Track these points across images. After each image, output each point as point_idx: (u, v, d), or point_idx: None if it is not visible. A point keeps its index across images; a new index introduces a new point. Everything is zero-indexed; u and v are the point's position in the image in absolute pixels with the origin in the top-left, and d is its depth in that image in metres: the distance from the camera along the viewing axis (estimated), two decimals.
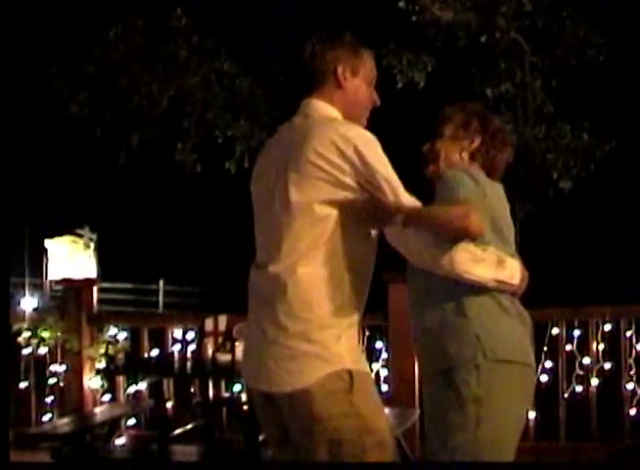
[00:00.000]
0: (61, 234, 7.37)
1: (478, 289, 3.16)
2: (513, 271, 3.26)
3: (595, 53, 13.24)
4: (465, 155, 3.45)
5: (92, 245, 7.33)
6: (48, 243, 7.29)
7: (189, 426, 6.30)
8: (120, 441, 6.89)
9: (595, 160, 13.17)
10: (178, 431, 6.18)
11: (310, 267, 2.98)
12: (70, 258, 7.26)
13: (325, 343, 2.95)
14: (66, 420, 6.42)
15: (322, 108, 3.24)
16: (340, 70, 3.22)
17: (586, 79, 13.57)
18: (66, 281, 7.26)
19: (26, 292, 9.49)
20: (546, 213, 13.92)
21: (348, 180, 3.01)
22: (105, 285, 15.48)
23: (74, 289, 7.19)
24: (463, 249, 3.06)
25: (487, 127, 3.46)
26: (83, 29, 13.57)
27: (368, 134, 3.08)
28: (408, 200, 3.04)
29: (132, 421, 7.15)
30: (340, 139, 3.04)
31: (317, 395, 2.91)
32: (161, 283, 20.78)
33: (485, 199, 3.22)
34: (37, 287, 15.61)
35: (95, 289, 7.34)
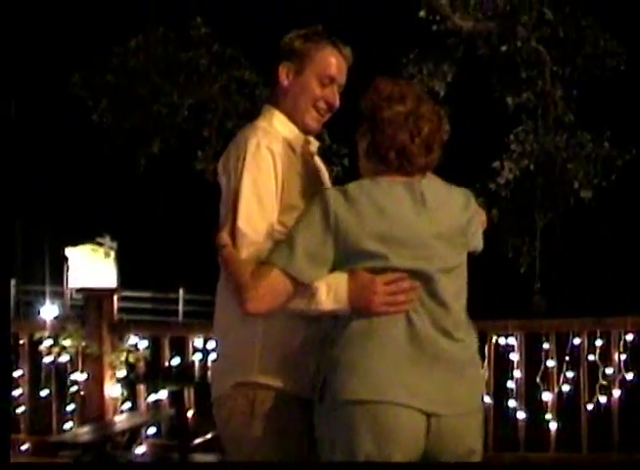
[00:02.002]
0: (81, 242, 7.38)
1: None
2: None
3: (616, 62, 13.20)
4: (362, 163, 2.98)
5: (112, 253, 7.33)
6: (68, 251, 7.30)
7: (209, 435, 6.29)
8: (141, 449, 6.88)
9: (616, 169, 13.12)
10: (198, 440, 6.17)
11: None
12: (91, 266, 7.26)
13: None
14: (86, 429, 6.42)
15: (262, 113, 3.22)
16: (280, 70, 3.18)
17: (607, 88, 13.53)
18: (86, 290, 7.27)
19: (47, 300, 9.53)
20: (567, 223, 13.86)
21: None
22: (125, 293, 15.51)
23: (95, 297, 7.20)
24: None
25: (375, 123, 2.88)
26: (105, 39, 13.65)
27: (250, 156, 2.96)
28: (246, 231, 2.90)
29: (152, 430, 7.14)
30: (232, 147, 3.04)
31: None
32: (181, 291, 20.81)
33: (338, 221, 2.77)
34: (58, 295, 15.69)
35: (115, 297, 7.35)
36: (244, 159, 2.96)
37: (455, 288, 2.90)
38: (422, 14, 12.46)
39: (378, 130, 2.85)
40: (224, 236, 2.91)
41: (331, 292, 2.80)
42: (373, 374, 2.75)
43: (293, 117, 3.17)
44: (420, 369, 2.77)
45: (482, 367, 3.00)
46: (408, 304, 2.79)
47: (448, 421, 2.78)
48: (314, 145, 3.26)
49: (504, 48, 12.80)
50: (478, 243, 3.07)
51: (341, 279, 2.81)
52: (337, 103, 3.20)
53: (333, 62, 3.15)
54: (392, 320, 2.79)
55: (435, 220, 2.84)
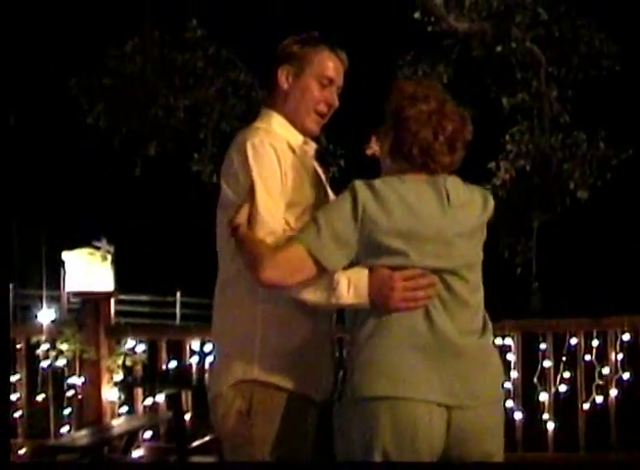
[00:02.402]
0: (78, 246, 7.37)
1: None
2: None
3: (611, 62, 13.21)
4: (386, 162, 3.02)
5: (109, 257, 7.33)
6: (65, 255, 7.30)
7: (207, 438, 6.29)
8: (138, 453, 6.88)
9: (612, 169, 13.13)
10: (196, 443, 6.17)
11: None
12: (88, 270, 7.26)
13: None
14: (84, 432, 6.42)
15: (260, 116, 3.26)
16: (279, 74, 3.22)
17: (602, 89, 13.54)
18: (83, 293, 7.27)
19: (44, 304, 9.52)
20: (563, 223, 13.88)
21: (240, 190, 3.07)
22: (122, 297, 15.52)
23: (92, 301, 7.20)
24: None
25: (399, 121, 2.91)
26: (100, 42, 13.65)
27: (250, 150, 3.03)
28: (264, 216, 2.96)
29: (150, 433, 7.14)
30: (234, 147, 3.10)
31: None
32: (179, 295, 20.82)
33: (365, 213, 2.79)
34: (55, 299, 15.69)
35: (112, 301, 7.35)
36: (248, 156, 3.02)
37: (474, 283, 2.94)
38: (417, 15, 12.46)
39: (402, 128, 2.88)
40: (239, 217, 2.95)
41: (351, 286, 2.82)
42: (392, 370, 2.78)
43: (292, 119, 3.21)
44: (440, 364, 2.80)
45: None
46: (427, 299, 2.82)
47: (471, 413, 2.80)
48: (312, 147, 3.30)
49: (499, 49, 12.81)
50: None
51: (361, 274, 2.83)
52: (336, 103, 3.25)
53: (331, 64, 3.21)
54: (411, 316, 2.83)
55: (459, 219, 2.87)
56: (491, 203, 3.02)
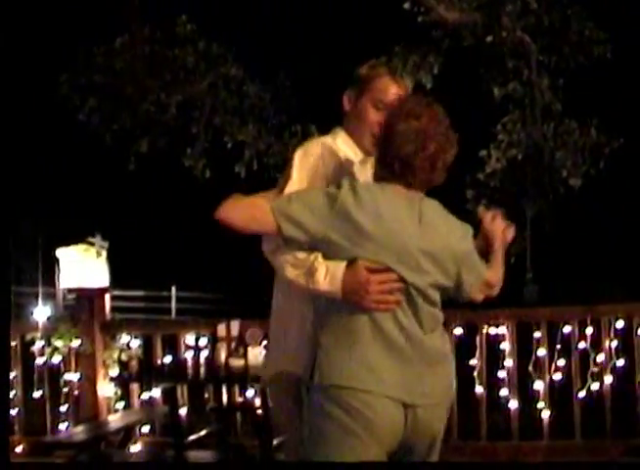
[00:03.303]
0: (72, 242, 7.38)
1: None
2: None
3: (601, 50, 13.20)
4: (375, 169, 3.26)
5: (104, 253, 7.33)
6: (60, 252, 7.30)
7: (203, 432, 6.31)
8: (135, 448, 6.90)
9: (604, 157, 13.14)
10: (193, 437, 6.18)
11: None
12: (82, 266, 7.27)
13: None
14: (80, 428, 6.44)
15: (331, 132, 3.52)
16: (345, 96, 3.51)
17: (593, 77, 13.55)
18: (78, 290, 7.28)
19: (40, 301, 9.52)
20: (557, 212, 13.88)
21: None
22: (117, 293, 15.51)
23: (87, 297, 7.21)
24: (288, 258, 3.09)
25: (389, 134, 3.14)
26: (90, 38, 13.62)
27: (302, 150, 3.38)
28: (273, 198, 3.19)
29: (147, 428, 7.16)
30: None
31: None
32: (174, 289, 20.81)
33: (334, 209, 3.00)
34: (50, 296, 15.66)
35: (108, 297, 7.36)
36: (296, 156, 3.36)
37: (429, 298, 3.11)
38: (406, 6, 12.45)
39: (389, 140, 3.10)
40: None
41: (328, 275, 3.01)
42: (353, 363, 2.97)
43: (353, 138, 3.48)
44: (398, 362, 2.99)
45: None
46: (396, 304, 3.01)
47: (422, 411, 3.01)
48: (371, 164, 3.46)
49: (489, 38, 12.80)
50: (470, 286, 3.25)
51: (339, 267, 3.02)
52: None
53: (389, 89, 3.44)
54: (382, 316, 3.01)
55: (426, 238, 3.06)
56: (469, 239, 3.23)
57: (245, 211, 3.07)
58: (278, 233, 3.03)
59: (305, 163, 3.33)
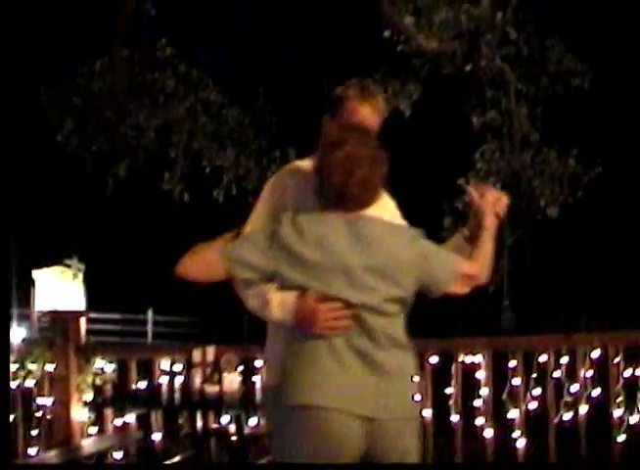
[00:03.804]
0: (49, 264, 7.33)
1: None
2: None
3: (579, 81, 13.32)
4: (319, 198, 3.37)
5: (80, 275, 7.29)
6: (35, 273, 7.26)
7: (177, 458, 6.27)
8: None
9: (582, 186, 13.22)
10: (167, 463, 6.14)
11: None
12: (58, 288, 7.22)
13: None
14: (53, 453, 6.37)
15: (313, 154, 3.52)
16: (324, 117, 3.52)
17: (571, 107, 13.66)
18: (54, 313, 7.22)
19: (14, 323, 9.45)
20: (534, 241, 13.95)
21: None
22: (93, 315, 15.43)
23: (62, 320, 7.15)
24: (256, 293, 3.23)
25: (321, 166, 3.27)
26: (70, 60, 13.60)
27: (272, 180, 3.55)
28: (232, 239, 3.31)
29: (120, 454, 7.10)
30: None
31: None
32: (150, 313, 20.73)
33: (274, 245, 3.17)
34: (25, 318, 15.57)
35: (83, 320, 7.31)
36: (267, 183, 3.54)
37: (394, 313, 3.21)
38: (386, 34, 12.51)
39: (321, 172, 3.22)
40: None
41: (280, 305, 3.16)
42: (315, 383, 3.10)
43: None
44: (351, 379, 3.11)
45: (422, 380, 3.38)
46: (345, 329, 3.13)
47: (381, 425, 3.09)
48: None
49: (468, 67, 12.89)
50: (441, 284, 3.30)
51: (290, 297, 3.16)
52: None
53: (355, 110, 3.45)
54: (328, 338, 3.14)
55: (369, 255, 3.15)
56: (420, 242, 3.27)
57: (199, 264, 3.23)
58: (233, 278, 3.20)
59: (273, 192, 3.47)
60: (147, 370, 7.10)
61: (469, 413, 6.71)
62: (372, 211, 3.27)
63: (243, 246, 3.20)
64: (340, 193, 3.18)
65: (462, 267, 3.31)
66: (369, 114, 3.46)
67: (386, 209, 3.47)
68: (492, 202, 3.45)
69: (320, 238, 3.14)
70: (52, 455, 6.26)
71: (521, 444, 6.61)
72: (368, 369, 3.12)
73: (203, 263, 3.23)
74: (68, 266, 7.26)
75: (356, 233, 3.17)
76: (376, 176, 3.22)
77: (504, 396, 6.67)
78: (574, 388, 6.63)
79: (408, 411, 3.21)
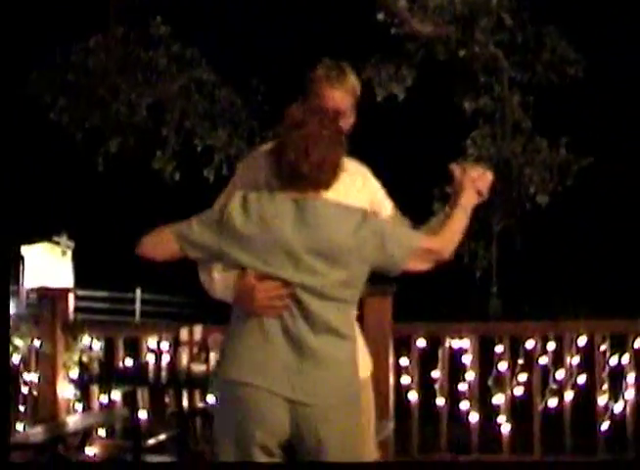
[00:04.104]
0: (38, 241, 7.31)
1: None
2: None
3: (573, 69, 13.32)
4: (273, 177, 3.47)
5: (69, 252, 7.28)
6: (24, 249, 7.24)
7: (162, 436, 6.28)
8: (93, 450, 6.85)
9: (572, 175, 13.23)
10: (152, 441, 6.15)
11: None
12: (47, 265, 7.22)
13: None
14: (38, 429, 6.37)
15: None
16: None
17: (564, 95, 13.65)
18: (41, 289, 7.21)
19: None
20: (523, 228, 13.96)
21: None
22: (81, 293, 15.41)
23: (50, 297, 7.14)
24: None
25: (278, 146, 3.33)
26: (64, 37, 13.55)
27: (244, 160, 3.73)
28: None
29: (105, 431, 7.11)
30: None
31: None
32: (139, 292, 20.72)
33: (222, 222, 3.24)
34: (13, 294, 15.55)
35: (71, 297, 7.30)
36: (236, 169, 3.66)
37: (330, 297, 3.19)
38: (380, 17, 12.48)
39: (278, 151, 3.26)
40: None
41: (223, 283, 3.26)
42: (244, 360, 3.18)
43: None
44: (281, 360, 3.15)
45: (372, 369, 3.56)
46: (283, 309, 3.17)
47: (306, 409, 3.14)
48: None
49: (462, 53, 12.87)
50: (398, 261, 3.28)
51: (230, 276, 3.25)
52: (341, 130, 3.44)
53: (323, 93, 3.44)
54: (265, 318, 3.19)
55: (314, 238, 3.17)
56: (370, 224, 3.24)
57: (153, 243, 3.32)
58: (184, 256, 3.29)
59: (243, 174, 3.55)
60: (134, 348, 7.10)
61: (454, 397, 6.74)
62: (331, 193, 3.27)
63: (193, 225, 3.26)
64: (293, 172, 3.20)
65: (420, 243, 3.28)
66: (339, 96, 3.45)
67: (347, 191, 3.43)
68: (474, 178, 3.39)
69: (265, 217, 3.17)
70: (37, 432, 6.26)
71: (505, 429, 6.64)
72: (296, 351, 3.15)
73: (159, 243, 3.31)
74: (57, 243, 7.25)
75: (303, 215, 3.18)
76: (333, 158, 3.23)
77: (490, 381, 6.69)
78: (560, 374, 6.65)
79: (339, 400, 3.19)
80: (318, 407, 3.14)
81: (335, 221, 3.19)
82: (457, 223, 3.35)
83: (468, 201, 3.38)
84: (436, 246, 3.30)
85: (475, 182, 3.39)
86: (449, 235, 3.32)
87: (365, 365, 3.51)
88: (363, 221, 3.21)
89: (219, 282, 3.27)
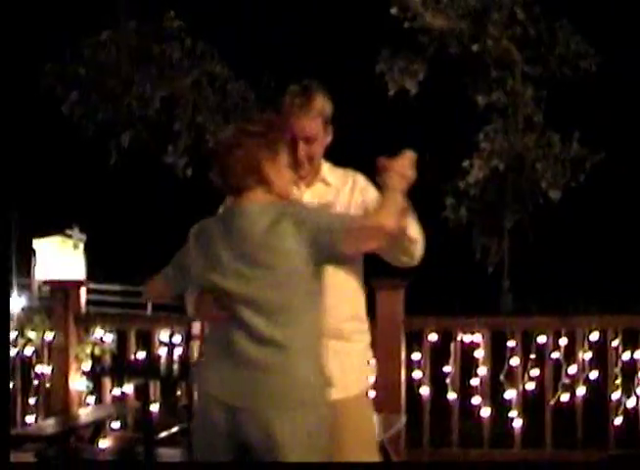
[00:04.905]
0: (50, 234, 7.32)
1: None
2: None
3: (587, 64, 13.28)
4: None
5: (81, 245, 7.29)
6: (36, 243, 7.25)
7: (174, 429, 6.28)
8: (105, 443, 6.86)
9: (585, 170, 13.20)
10: (163, 434, 6.15)
11: None
12: (59, 258, 7.23)
13: None
14: (50, 421, 6.39)
15: None
16: None
17: (577, 90, 13.60)
18: (54, 282, 7.22)
19: (14, 292, 9.46)
20: (535, 223, 13.93)
21: None
22: (93, 286, 15.44)
23: (62, 289, 7.16)
24: None
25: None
26: (76, 31, 13.57)
27: None
28: None
29: (117, 423, 7.12)
30: None
31: None
32: None
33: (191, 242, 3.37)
34: (25, 287, 15.59)
35: (83, 290, 7.31)
36: None
37: (270, 307, 3.19)
38: (393, 11, 12.46)
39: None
40: None
41: (192, 304, 3.37)
42: (203, 369, 3.35)
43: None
44: (223, 368, 3.24)
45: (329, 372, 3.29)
46: (223, 320, 3.24)
47: (242, 415, 3.16)
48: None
49: (475, 47, 12.84)
50: (330, 246, 3.19)
51: (193, 295, 3.37)
52: (304, 157, 3.49)
53: (294, 123, 3.48)
54: (221, 328, 3.28)
55: (236, 243, 3.20)
56: (286, 218, 3.18)
57: (152, 289, 3.61)
58: (177, 291, 3.46)
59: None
60: (146, 341, 7.11)
61: (466, 392, 6.73)
62: (308, 194, 3.43)
63: (173, 261, 3.45)
64: (217, 185, 3.33)
65: (354, 223, 3.23)
66: (305, 124, 3.48)
67: (327, 190, 3.54)
68: (397, 164, 3.27)
69: (206, 235, 3.29)
70: (49, 424, 6.28)
71: (517, 424, 6.63)
72: (237, 361, 3.20)
73: (154, 288, 3.58)
74: (69, 237, 7.26)
75: (226, 223, 3.26)
76: (231, 160, 3.27)
77: (502, 376, 6.68)
78: (572, 369, 6.63)
79: (271, 405, 3.17)
80: (257, 413, 3.16)
81: (250, 220, 3.20)
82: (388, 201, 3.25)
83: (393, 184, 3.26)
84: (371, 222, 3.20)
85: (398, 168, 3.26)
86: (383, 211, 3.21)
87: (353, 382, 3.50)
88: (282, 214, 3.19)
89: (190, 302, 3.39)
